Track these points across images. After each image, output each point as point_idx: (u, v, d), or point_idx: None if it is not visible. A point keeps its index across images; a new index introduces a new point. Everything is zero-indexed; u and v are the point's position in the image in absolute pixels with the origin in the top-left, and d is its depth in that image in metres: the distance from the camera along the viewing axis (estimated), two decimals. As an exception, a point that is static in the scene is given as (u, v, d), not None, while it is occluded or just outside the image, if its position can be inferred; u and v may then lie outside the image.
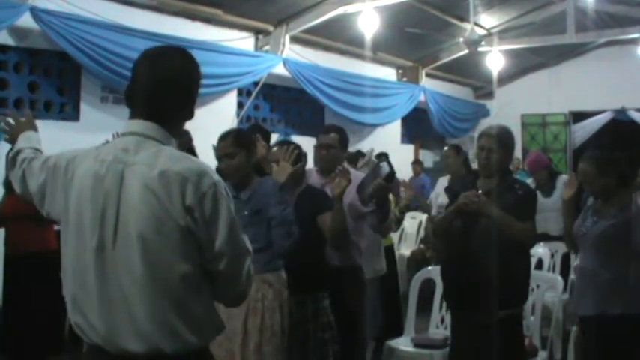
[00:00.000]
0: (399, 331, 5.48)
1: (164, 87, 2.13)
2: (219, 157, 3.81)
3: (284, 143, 4.31)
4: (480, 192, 3.90)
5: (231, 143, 3.67)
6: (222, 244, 2.05)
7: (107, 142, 2.73)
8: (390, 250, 6.33)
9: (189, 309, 2.05)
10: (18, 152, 2.47)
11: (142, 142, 2.09)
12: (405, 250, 8.98)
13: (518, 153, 13.01)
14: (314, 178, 4.46)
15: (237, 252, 2.12)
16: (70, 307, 2.12)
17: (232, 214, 2.08)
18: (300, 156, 4.16)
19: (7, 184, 5.36)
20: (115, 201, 2.03)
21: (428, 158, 14.36)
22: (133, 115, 2.16)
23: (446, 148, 7.14)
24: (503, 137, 4.06)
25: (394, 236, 7.90)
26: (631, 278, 3.88)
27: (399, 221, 6.29)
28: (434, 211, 6.69)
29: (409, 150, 13.32)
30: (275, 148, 4.30)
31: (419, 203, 7.94)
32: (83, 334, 2.09)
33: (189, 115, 2.22)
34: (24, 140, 2.54)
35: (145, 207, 2.00)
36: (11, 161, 2.47)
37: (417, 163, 12.33)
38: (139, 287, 2.00)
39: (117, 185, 2.04)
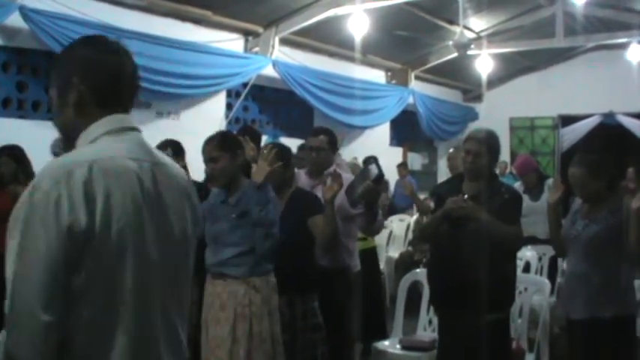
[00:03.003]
0: (382, 334, 5.48)
1: (137, 76, 2.02)
2: (205, 161, 3.78)
3: (274, 145, 4.28)
4: (466, 196, 3.91)
5: (215, 147, 3.66)
6: None
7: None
8: (372, 253, 6.35)
9: None
10: None
11: (143, 138, 1.97)
12: (393, 252, 8.98)
13: (506, 156, 13.05)
14: (303, 180, 4.45)
15: None
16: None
17: None
18: (283, 156, 4.04)
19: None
20: (156, 202, 1.89)
21: (416, 161, 14.37)
22: (115, 110, 1.94)
23: (452, 150, 7.20)
24: (489, 140, 4.06)
25: (382, 238, 7.92)
26: (622, 281, 3.91)
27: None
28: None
29: (398, 152, 13.32)
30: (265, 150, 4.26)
31: (414, 202, 7.94)
32: None
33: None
34: None
35: (183, 207, 1.97)
36: None
37: (402, 165, 12.33)
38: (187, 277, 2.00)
39: (154, 184, 1.90)
